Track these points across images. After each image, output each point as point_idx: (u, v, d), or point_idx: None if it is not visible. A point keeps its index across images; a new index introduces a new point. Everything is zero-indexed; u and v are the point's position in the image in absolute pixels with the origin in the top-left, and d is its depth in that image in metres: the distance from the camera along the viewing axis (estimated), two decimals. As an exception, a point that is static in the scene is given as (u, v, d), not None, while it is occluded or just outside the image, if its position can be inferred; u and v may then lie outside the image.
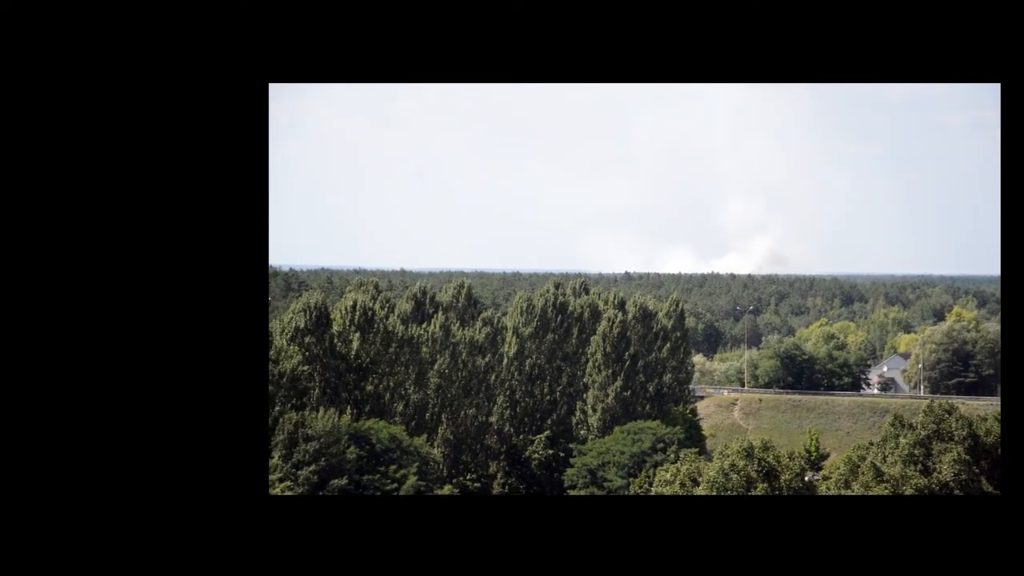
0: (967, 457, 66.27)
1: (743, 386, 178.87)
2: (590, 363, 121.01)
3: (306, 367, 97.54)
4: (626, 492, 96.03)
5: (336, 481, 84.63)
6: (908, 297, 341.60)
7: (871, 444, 73.88)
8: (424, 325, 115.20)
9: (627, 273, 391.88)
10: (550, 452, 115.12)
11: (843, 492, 61.20)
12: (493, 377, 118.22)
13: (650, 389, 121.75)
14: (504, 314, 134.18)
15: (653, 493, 64.25)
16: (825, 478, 73.33)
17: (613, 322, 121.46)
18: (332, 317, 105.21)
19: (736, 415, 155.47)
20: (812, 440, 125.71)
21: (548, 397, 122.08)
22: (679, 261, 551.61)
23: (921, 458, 66.02)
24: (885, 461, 65.11)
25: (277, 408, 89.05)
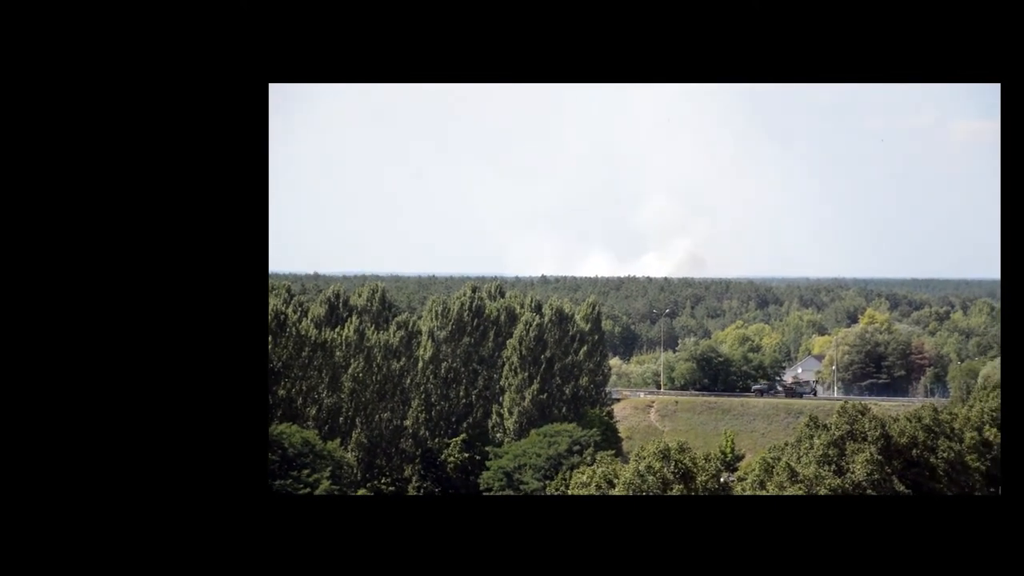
0: (879, 457, 66.53)
1: (659, 388, 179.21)
2: (506, 366, 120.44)
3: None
4: (542, 494, 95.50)
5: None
6: (822, 299, 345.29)
7: (786, 445, 73.96)
8: (338, 329, 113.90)
9: (544, 276, 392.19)
10: (466, 455, 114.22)
11: (758, 492, 61.05)
12: (408, 380, 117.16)
13: (567, 392, 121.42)
14: (419, 318, 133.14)
15: (570, 494, 63.69)
16: (740, 479, 73.29)
17: (530, 325, 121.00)
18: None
19: (652, 417, 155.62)
20: (727, 441, 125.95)
21: (464, 400, 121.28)
22: (596, 264, 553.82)
23: (835, 458, 66.14)
24: (799, 461, 65.13)
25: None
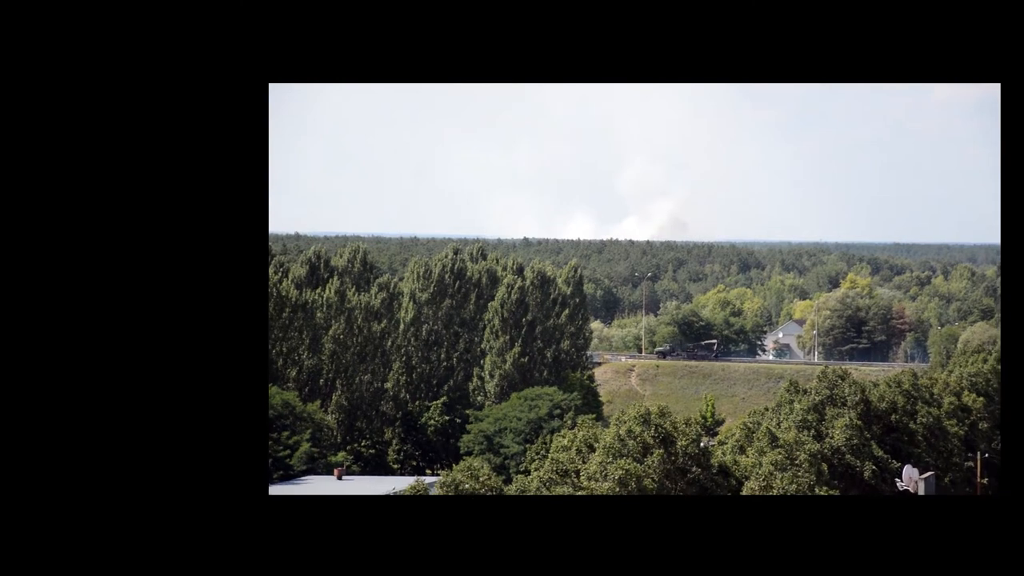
0: (859, 422, 66.68)
1: (641, 352, 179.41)
2: (488, 329, 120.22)
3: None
4: (523, 458, 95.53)
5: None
6: (804, 264, 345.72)
7: (766, 410, 74.11)
8: (318, 290, 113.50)
9: (526, 239, 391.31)
10: (446, 418, 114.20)
11: (738, 458, 61.09)
12: (389, 343, 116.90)
13: (548, 355, 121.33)
14: (401, 279, 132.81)
15: (549, 459, 63.68)
16: (721, 443, 73.40)
17: (511, 288, 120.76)
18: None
19: (633, 381, 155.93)
20: (708, 406, 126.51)
21: (445, 363, 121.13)
22: (578, 227, 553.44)
23: (814, 423, 66.24)
24: (779, 426, 65.19)
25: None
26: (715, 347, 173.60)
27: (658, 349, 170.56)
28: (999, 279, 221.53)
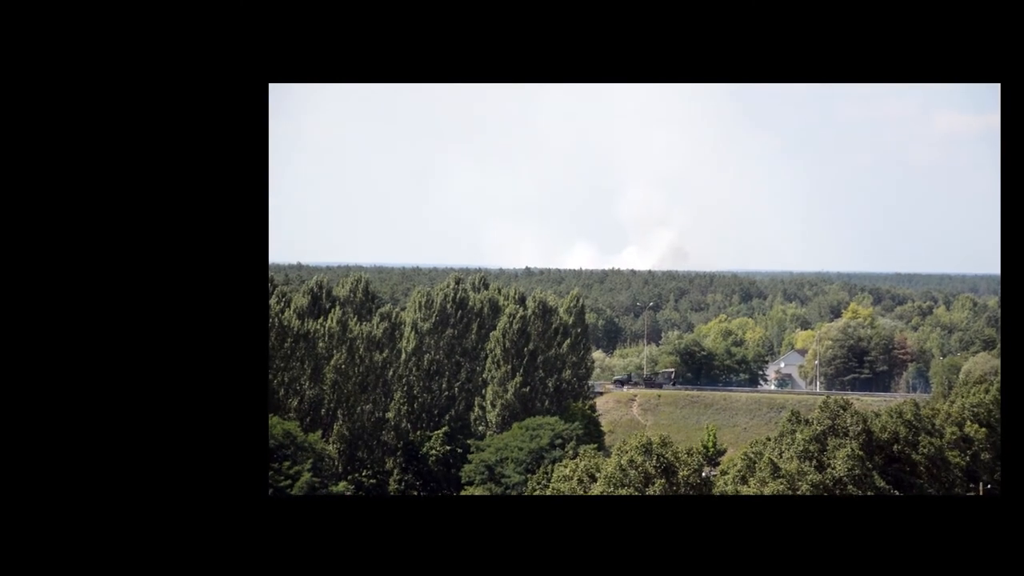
0: (861, 453, 66.57)
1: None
2: (489, 359, 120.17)
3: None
4: (524, 488, 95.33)
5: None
6: (806, 294, 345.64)
7: (768, 440, 73.99)
8: (320, 320, 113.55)
9: (527, 268, 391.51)
10: (448, 448, 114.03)
11: (740, 488, 60.99)
12: (391, 372, 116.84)
13: (549, 385, 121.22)
14: (403, 309, 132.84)
15: (551, 489, 63.58)
16: (723, 473, 73.26)
17: (513, 317, 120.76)
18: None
19: (635, 411, 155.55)
20: (710, 436, 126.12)
21: (446, 393, 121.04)
22: (580, 256, 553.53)
23: (816, 454, 66.14)
24: (781, 457, 65.10)
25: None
26: (672, 375, 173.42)
27: (616, 378, 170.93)
28: (1000, 309, 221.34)
